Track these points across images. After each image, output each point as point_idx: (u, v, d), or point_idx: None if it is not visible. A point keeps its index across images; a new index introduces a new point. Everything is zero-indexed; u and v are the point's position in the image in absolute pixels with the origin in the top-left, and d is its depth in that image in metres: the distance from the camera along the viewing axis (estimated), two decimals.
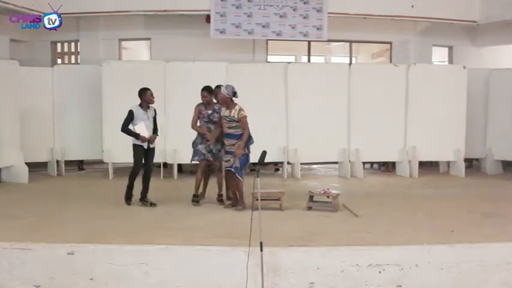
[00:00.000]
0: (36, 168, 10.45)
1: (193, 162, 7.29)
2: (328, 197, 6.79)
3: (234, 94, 6.63)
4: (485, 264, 4.93)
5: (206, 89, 7.08)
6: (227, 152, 6.71)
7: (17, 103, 9.20)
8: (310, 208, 6.82)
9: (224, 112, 6.70)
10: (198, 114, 7.10)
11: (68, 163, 10.59)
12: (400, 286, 4.85)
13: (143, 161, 7.03)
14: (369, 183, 9.46)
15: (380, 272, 4.83)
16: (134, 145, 6.97)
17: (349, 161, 10.00)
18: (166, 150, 9.59)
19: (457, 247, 5.03)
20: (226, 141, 6.71)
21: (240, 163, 6.58)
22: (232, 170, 6.61)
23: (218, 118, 6.91)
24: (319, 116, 9.79)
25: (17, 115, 9.21)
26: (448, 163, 10.64)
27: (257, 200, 5.16)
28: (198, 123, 7.12)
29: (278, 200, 6.82)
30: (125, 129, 6.87)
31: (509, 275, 4.96)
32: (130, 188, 7.04)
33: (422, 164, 10.51)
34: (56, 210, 6.81)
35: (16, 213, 6.51)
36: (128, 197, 7.05)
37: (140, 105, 6.96)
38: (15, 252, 4.88)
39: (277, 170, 11.15)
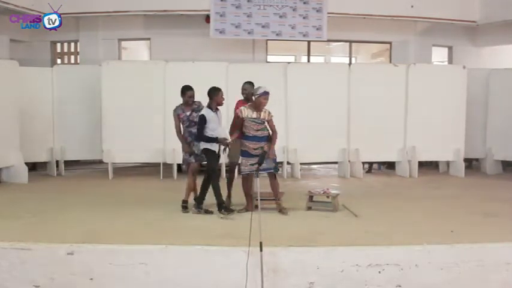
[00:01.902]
0: (36, 168, 10.48)
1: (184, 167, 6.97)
2: (327, 197, 6.78)
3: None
4: (485, 264, 4.93)
5: (192, 88, 6.70)
6: (252, 156, 6.37)
7: (16, 103, 9.20)
8: (310, 208, 6.82)
9: (251, 114, 6.38)
10: (179, 119, 6.73)
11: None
12: (399, 286, 4.84)
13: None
14: (369, 183, 9.46)
15: (380, 272, 4.83)
16: (207, 150, 6.45)
17: (349, 161, 10.00)
18: (165, 150, 9.60)
19: (457, 247, 5.03)
20: (253, 145, 6.39)
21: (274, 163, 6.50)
22: (273, 171, 6.50)
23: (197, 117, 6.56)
24: (318, 116, 9.78)
25: (16, 115, 9.20)
26: (448, 163, 10.65)
27: (257, 200, 5.17)
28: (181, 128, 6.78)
29: (278, 200, 6.80)
30: (202, 137, 6.38)
31: (509, 275, 4.96)
32: (219, 195, 6.39)
33: (422, 164, 10.51)
34: (55, 210, 6.80)
35: (16, 213, 6.50)
36: (225, 206, 6.41)
37: (209, 106, 6.45)
38: (15, 252, 4.87)
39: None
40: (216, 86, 6.57)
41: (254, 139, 6.42)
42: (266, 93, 6.36)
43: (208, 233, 5.52)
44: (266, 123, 6.49)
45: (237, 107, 6.81)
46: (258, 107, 6.41)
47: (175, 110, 6.79)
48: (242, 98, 7.03)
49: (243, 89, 6.97)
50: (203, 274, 4.83)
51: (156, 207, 6.86)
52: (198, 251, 4.90)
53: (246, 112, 6.43)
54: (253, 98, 6.48)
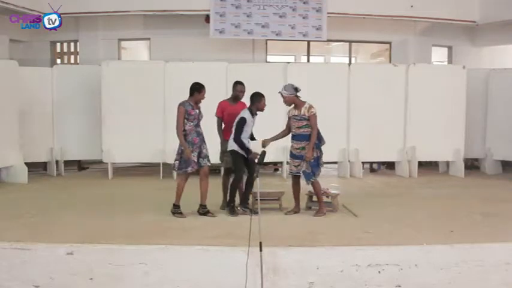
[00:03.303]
0: (35, 168, 10.46)
1: (186, 172, 6.23)
2: (327, 197, 6.78)
3: (296, 90, 6.31)
4: (485, 264, 4.93)
5: (204, 87, 6.31)
6: (296, 157, 6.36)
7: (16, 103, 9.19)
8: (309, 208, 6.82)
9: (293, 112, 6.39)
10: (185, 116, 6.18)
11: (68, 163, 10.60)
12: (399, 286, 4.84)
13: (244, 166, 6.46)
14: (369, 183, 9.46)
15: (379, 272, 4.83)
16: (234, 151, 6.40)
17: (349, 161, 10.00)
18: (165, 150, 9.59)
19: (456, 247, 5.03)
20: (295, 144, 6.37)
21: (312, 167, 6.30)
22: (300, 174, 6.34)
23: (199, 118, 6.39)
24: (318, 116, 9.74)
25: (16, 115, 9.20)
26: (448, 163, 10.65)
27: (257, 200, 5.17)
28: (187, 127, 6.19)
29: (278, 200, 6.82)
30: (239, 140, 6.31)
31: (509, 275, 4.96)
32: (233, 196, 6.46)
33: (421, 164, 10.52)
34: (55, 210, 6.80)
35: (16, 213, 6.50)
36: (233, 207, 6.43)
37: (250, 111, 6.40)
38: (15, 252, 4.87)
39: (276, 170, 11.14)
40: (259, 91, 6.51)
41: (297, 138, 6.38)
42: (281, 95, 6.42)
43: (208, 233, 5.52)
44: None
45: (219, 107, 6.81)
46: (289, 105, 6.45)
47: (183, 105, 6.20)
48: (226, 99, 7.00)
49: (241, 92, 6.86)
50: (203, 274, 4.83)
51: (156, 207, 6.84)
52: (198, 251, 4.90)
53: (291, 112, 6.46)
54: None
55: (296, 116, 6.36)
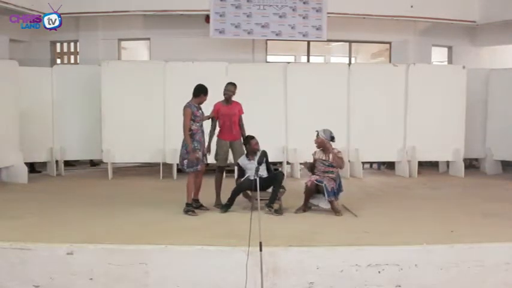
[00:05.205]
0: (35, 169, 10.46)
1: (196, 170, 6.48)
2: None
3: (332, 139, 6.59)
4: (485, 264, 4.94)
5: (207, 89, 6.57)
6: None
7: (16, 103, 9.19)
8: (309, 208, 6.82)
9: (320, 155, 6.68)
10: (192, 117, 6.40)
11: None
12: (399, 286, 4.85)
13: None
14: (369, 183, 9.46)
15: (379, 272, 4.84)
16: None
17: (349, 161, 10.00)
18: (165, 150, 9.60)
19: (456, 247, 5.04)
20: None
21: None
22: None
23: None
24: (318, 116, 9.75)
25: (16, 115, 9.19)
26: (448, 163, 10.65)
27: (257, 200, 5.17)
28: (193, 127, 6.42)
29: (278, 200, 6.81)
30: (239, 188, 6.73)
31: (508, 275, 4.96)
32: (233, 200, 6.67)
33: (421, 164, 10.52)
34: (55, 210, 6.80)
35: (16, 213, 6.50)
36: (228, 206, 6.66)
37: (247, 155, 6.73)
38: (15, 252, 4.88)
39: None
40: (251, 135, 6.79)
41: (319, 181, 6.57)
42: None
43: (208, 233, 5.53)
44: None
45: (214, 109, 6.90)
46: (319, 147, 6.67)
47: (189, 107, 6.42)
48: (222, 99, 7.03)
49: (229, 91, 6.93)
50: (203, 274, 4.83)
51: (156, 207, 6.86)
52: (198, 251, 4.91)
53: (318, 154, 6.71)
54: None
55: (324, 161, 6.64)
